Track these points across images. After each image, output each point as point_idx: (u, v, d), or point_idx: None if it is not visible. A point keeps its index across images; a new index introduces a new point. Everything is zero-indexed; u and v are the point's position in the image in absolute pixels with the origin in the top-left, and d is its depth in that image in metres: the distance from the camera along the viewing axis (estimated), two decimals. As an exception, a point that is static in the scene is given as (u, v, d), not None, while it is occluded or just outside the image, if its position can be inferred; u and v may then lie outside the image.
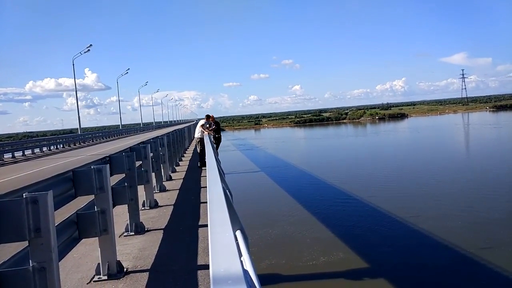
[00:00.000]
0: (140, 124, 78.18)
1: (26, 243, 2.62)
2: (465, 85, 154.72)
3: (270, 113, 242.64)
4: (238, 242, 2.92)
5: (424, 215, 15.30)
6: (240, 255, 2.42)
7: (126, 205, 5.85)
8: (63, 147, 32.03)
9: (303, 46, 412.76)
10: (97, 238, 4.17)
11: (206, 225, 5.15)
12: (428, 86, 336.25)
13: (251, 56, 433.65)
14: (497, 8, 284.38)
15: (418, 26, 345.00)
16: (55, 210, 3.54)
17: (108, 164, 4.13)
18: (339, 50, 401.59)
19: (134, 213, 5.98)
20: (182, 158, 17.88)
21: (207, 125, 14.56)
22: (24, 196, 2.48)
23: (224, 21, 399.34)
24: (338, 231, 14.43)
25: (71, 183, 3.87)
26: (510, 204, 16.57)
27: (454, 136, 52.55)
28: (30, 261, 2.55)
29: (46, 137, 42.71)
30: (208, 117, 14.87)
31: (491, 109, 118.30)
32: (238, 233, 3.15)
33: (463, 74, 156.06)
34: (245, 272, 1.37)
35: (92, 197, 4.26)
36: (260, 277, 1.61)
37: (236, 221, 3.33)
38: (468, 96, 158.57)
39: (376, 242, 13.27)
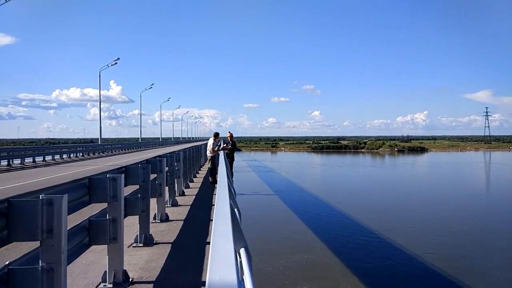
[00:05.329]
0: (159, 138, 79.18)
1: (38, 244, 2.71)
2: (488, 123, 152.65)
3: (288, 136, 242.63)
4: (241, 259, 2.97)
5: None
6: (241, 270, 2.46)
7: (137, 216, 5.94)
8: (82, 155, 32.68)
9: (326, 73, 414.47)
10: (106, 246, 4.26)
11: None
12: (450, 122, 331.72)
13: (273, 78, 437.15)
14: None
15: (444, 60, 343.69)
16: (68, 214, 3.66)
17: (123, 174, 4.22)
18: (362, 79, 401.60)
19: (144, 224, 6.06)
20: (197, 174, 18.02)
21: (224, 144, 14.63)
22: (40, 198, 2.58)
23: (250, 38, 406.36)
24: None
25: (86, 189, 3.98)
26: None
27: (483, 177, 50.15)
28: (40, 261, 2.63)
29: (67, 145, 43.72)
30: (217, 135, 14.53)
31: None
32: (242, 250, 3.19)
33: (487, 112, 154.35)
34: (241, 283, 1.41)
35: (105, 205, 4.37)
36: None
37: (241, 239, 3.37)
38: (491, 134, 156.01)
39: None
